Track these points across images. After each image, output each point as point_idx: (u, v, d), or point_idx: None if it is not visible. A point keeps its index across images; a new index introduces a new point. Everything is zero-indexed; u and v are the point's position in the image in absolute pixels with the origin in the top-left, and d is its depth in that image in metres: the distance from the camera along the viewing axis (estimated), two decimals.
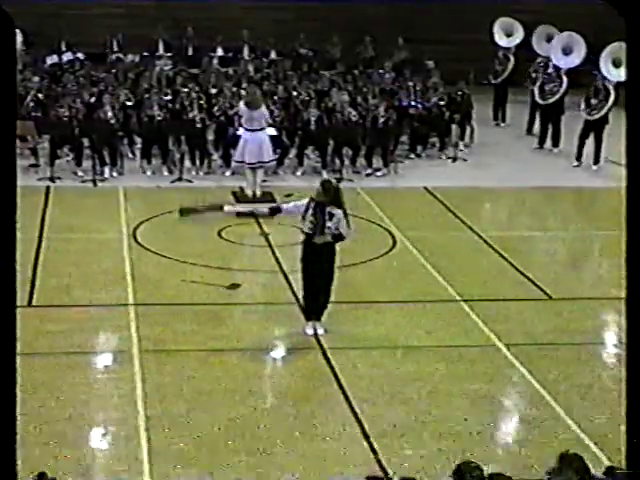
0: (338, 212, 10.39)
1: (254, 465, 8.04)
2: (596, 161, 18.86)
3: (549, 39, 21.74)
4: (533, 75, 21.39)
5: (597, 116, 18.63)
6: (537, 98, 20.66)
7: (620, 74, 18.65)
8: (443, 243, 14.21)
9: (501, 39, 22.49)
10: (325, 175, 16.71)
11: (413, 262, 13.27)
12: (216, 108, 18.13)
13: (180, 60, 22.89)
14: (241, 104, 15.73)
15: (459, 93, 19.86)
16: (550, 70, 20.70)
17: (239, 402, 9.13)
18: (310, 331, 10.66)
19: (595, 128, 18.74)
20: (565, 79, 20.28)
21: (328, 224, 10.32)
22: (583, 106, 18.95)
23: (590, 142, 18.88)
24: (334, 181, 11.90)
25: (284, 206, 11.10)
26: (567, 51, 20.63)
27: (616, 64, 19.01)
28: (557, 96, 20.27)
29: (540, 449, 8.28)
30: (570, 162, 19.12)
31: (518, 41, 22.31)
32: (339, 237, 10.44)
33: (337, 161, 17.76)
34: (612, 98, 18.43)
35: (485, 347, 10.57)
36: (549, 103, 20.38)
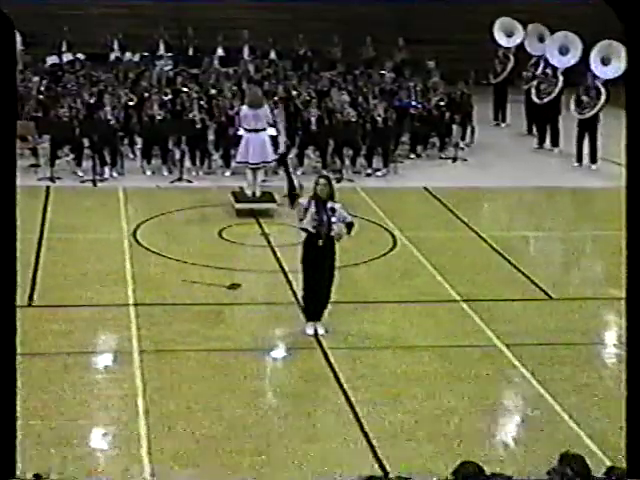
0: (337, 205, 10.43)
1: (254, 465, 8.04)
2: (593, 160, 18.85)
3: (541, 39, 21.75)
4: (527, 74, 21.35)
5: (589, 115, 18.65)
6: (534, 98, 20.66)
7: (608, 72, 18.69)
8: (443, 243, 14.21)
9: (501, 39, 22.48)
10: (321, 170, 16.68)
11: (413, 262, 13.27)
12: (216, 108, 18.12)
13: (180, 60, 22.89)
14: (244, 106, 15.67)
15: (459, 93, 19.88)
16: (546, 70, 20.71)
17: (239, 402, 9.12)
18: (310, 331, 10.65)
19: (588, 127, 18.74)
20: (561, 79, 20.29)
21: (333, 219, 10.34)
22: (574, 106, 18.98)
23: (586, 141, 18.90)
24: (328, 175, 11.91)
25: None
26: (563, 51, 20.63)
27: (604, 62, 19.04)
28: (552, 95, 20.27)
29: (540, 449, 8.28)
30: (570, 162, 19.12)
31: (518, 41, 22.28)
32: (351, 225, 10.48)
33: (337, 161, 17.76)
34: (604, 96, 18.45)
35: (485, 347, 10.56)
36: (545, 103, 20.40)
